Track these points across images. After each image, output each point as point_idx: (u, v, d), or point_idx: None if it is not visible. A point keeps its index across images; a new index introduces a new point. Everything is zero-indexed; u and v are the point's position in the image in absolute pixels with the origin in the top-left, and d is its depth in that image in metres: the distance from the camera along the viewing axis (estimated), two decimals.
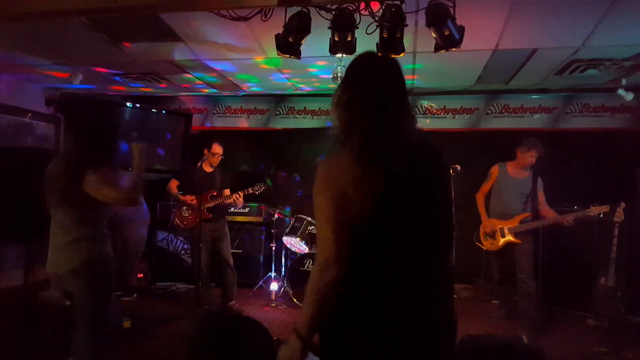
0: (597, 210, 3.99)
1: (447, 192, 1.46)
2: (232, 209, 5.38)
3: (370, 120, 1.34)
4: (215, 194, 4.55)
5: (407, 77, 4.89)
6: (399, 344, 1.29)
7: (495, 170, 4.55)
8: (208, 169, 4.60)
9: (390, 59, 1.47)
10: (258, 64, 4.47)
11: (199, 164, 4.30)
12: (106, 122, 2.76)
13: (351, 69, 1.44)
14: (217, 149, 4.55)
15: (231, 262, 4.56)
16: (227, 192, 4.61)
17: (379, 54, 1.48)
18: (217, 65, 4.57)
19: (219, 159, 4.59)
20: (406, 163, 1.33)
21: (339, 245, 1.31)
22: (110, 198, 2.36)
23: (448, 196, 1.47)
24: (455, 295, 3.68)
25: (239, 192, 4.55)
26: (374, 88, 1.37)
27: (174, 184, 4.69)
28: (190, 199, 4.54)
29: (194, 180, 4.37)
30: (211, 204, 4.51)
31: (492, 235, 4.41)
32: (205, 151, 4.54)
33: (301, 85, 5.42)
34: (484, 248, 4.53)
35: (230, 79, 5.09)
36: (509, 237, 4.28)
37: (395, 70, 1.42)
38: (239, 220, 5.69)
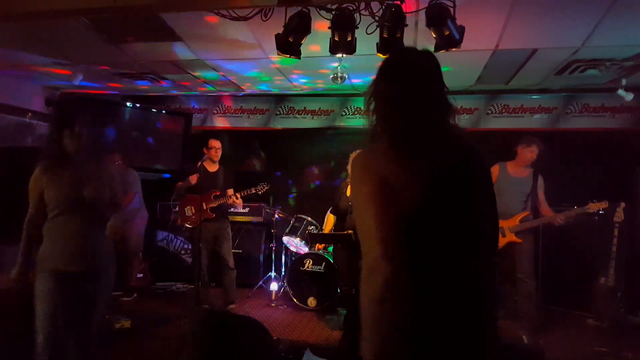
0: (595, 207, 3.99)
1: (489, 190, 1.36)
2: (232, 209, 5.38)
3: (410, 113, 1.30)
4: (218, 193, 4.52)
5: None
6: (438, 351, 1.20)
7: (495, 170, 4.55)
8: (211, 167, 4.56)
9: (428, 54, 1.42)
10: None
11: (199, 163, 4.26)
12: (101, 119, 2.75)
13: (389, 63, 1.40)
14: (214, 142, 4.53)
15: (231, 263, 4.54)
16: (230, 192, 4.57)
17: (417, 49, 1.42)
18: (217, 65, 4.57)
19: (219, 153, 4.54)
20: (448, 157, 1.28)
21: (389, 240, 1.21)
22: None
23: (491, 195, 1.36)
24: None
25: (237, 194, 4.49)
26: (412, 82, 1.33)
27: (192, 181, 4.54)
28: (193, 199, 4.49)
29: (198, 180, 4.34)
30: (214, 204, 4.48)
31: None
32: (205, 150, 4.52)
33: (305, 87, 5.43)
34: None
35: (231, 79, 5.10)
36: (510, 237, 4.29)
37: (433, 65, 1.38)
38: (239, 220, 5.68)
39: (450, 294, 1.21)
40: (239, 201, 4.53)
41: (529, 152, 4.26)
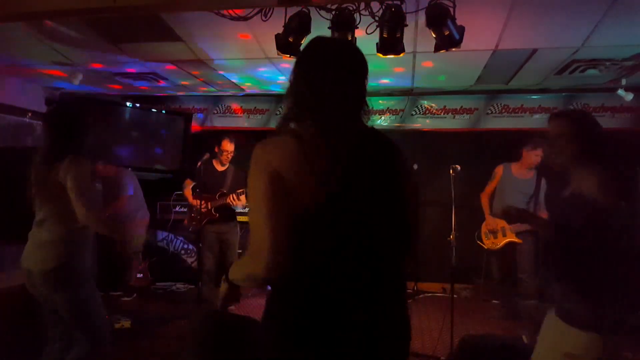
0: None
1: (403, 186, 1.30)
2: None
3: (318, 104, 1.25)
4: (224, 192, 4.38)
5: (407, 78, 4.90)
6: (346, 345, 1.19)
7: (499, 170, 4.57)
8: (219, 167, 4.48)
9: (348, 43, 1.38)
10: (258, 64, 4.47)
11: (199, 163, 4.20)
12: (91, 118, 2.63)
13: (304, 54, 1.33)
14: (227, 145, 4.36)
15: None
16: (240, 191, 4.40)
17: (336, 37, 1.41)
18: (217, 65, 4.57)
19: (229, 157, 4.42)
20: (356, 151, 1.23)
21: (274, 235, 1.16)
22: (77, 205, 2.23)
23: (405, 190, 1.31)
24: (455, 295, 3.69)
25: (234, 195, 4.29)
26: (325, 72, 1.27)
27: (188, 185, 4.53)
28: (196, 202, 4.35)
29: (204, 180, 4.25)
30: (219, 203, 4.35)
31: (494, 233, 4.42)
32: (216, 148, 4.39)
33: None
34: (485, 247, 4.54)
35: (231, 79, 5.10)
36: (511, 237, 4.29)
37: (352, 56, 1.32)
38: (239, 220, 5.67)
39: (349, 294, 1.19)
40: (237, 202, 4.32)
41: (534, 156, 4.27)
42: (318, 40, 1.34)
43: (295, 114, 1.28)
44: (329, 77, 1.26)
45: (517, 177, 4.40)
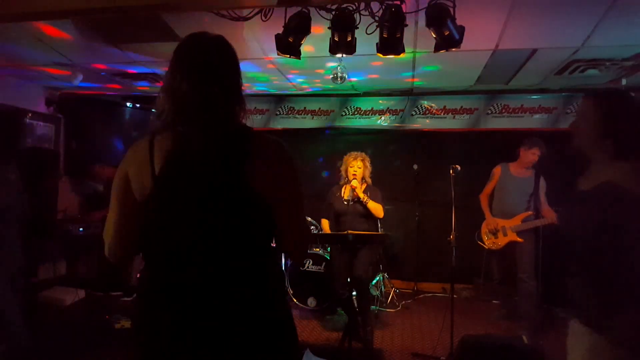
0: None
1: (250, 183, 1.27)
2: None
3: (175, 104, 1.30)
4: None
5: (407, 78, 4.89)
6: (189, 339, 1.24)
7: (497, 170, 4.57)
8: None
9: (216, 40, 1.37)
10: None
11: None
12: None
13: (175, 51, 1.38)
14: None
15: None
16: None
17: (210, 34, 1.39)
18: None
19: None
20: (195, 148, 1.27)
21: (116, 231, 1.35)
22: None
23: (253, 188, 1.28)
24: (455, 295, 3.69)
25: None
26: (187, 71, 1.31)
27: None
28: None
29: None
30: None
31: (494, 233, 4.43)
32: None
33: (304, 86, 5.43)
34: (486, 247, 4.54)
35: None
36: (512, 236, 4.29)
37: (218, 53, 1.35)
38: None
39: (190, 286, 1.25)
40: None
41: (530, 155, 4.27)
42: (184, 39, 1.38)
43: (158, 115, 1.35)
44: (180, 78, 1.31)
45: (515, 176, 4.41)
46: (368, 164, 4.34)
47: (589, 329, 1.55)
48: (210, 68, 1.31)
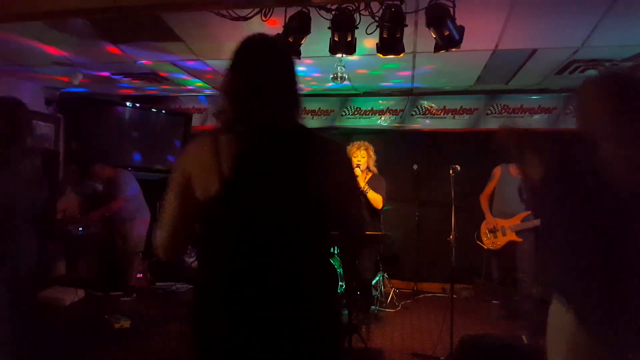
0: None
1: (313, 183, 1.29)
2: None
3: (236, 104, 1.31)
4: None
5: (407, 78, 4.90)
6: (259, 341, 1.25)
7: (497, 171, 4.58)
8: None
9: (274, 41, 1.40)
10: None
11: None
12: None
13: (235, 52, 1.37)
14: None
15: None
16: None
17: (269, 36, 1.40)
18: (217, 65, 4.57)
19: None
20: (261, 150, 1.29)
21: (173, 227, 1.34)
22: None
23: (318, 188, 1.30)
24: (455, 295, 3.69)
25: None
26: (247, 72, 1.32)
27: None
28: None
29: None
30: None
31: (494, 233, 4.43)
32: None
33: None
34: (485, 246, 4.55)
35: None
36: (511, 236, 4.30)
37: (277, 55, 1.37)
38: None
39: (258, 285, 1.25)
40: None
41: None
42: (243, 40, 1.37)
43: (218, 114, 1.36)
44: (239, 78, 1.32)
45: (515, 177, 4.40)
46: (372, 153, 4.33)
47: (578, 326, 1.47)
48: (268, 68, 1.33)
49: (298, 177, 1.29)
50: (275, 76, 1.34)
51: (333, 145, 1.41)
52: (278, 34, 1.40)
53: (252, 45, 1.36)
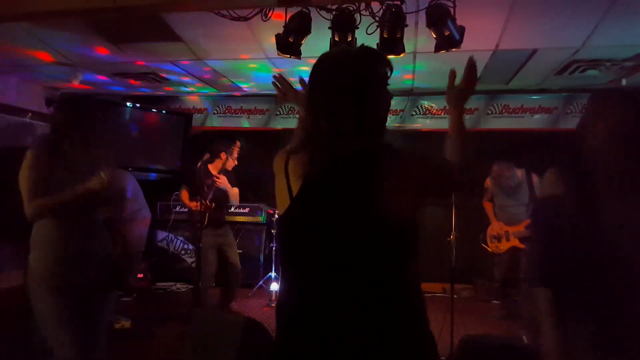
0: None
1: (383, 205, 1.20)
2: (233, 208, 5.37)
3: (309, 122, 1.29)
4: (209, 183, 4.23)
5: (408, 78, 4.90)
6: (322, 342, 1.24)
7: (488, 183, 4.68)
8: (214, 171, 4.34)
9: (356, 57, 1.31)
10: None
11: (199, 164, 4.14)
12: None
13: (313, 67, 1.32)
14: (237, 153, 4.33)
15: (239, 266, 4.41)
16: (235, 190, 4.37)
17: (348, 51, 1.36)
18: (217, 65, 4.57)
19: (231, 165, 4.35)
20: (331, 170, 1.23)
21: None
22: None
23: (386, 210, 1.21)
24: (455, 295, 3.69)
25: (213, 178, 4.20)
26: (316, 90, 1.29)
27: (185, 196, 4.45)
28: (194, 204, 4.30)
29: (204, 180, 4.15)
30: (210, 193, 4.25)
31: (498, 238, 4.48)
32: (223, 154, 4.27)
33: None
34: (490, 250, 4.59)
35: (231, 79, 5.10)
36: (514, 242, 4.34)
37: (356, 71, 1.26)
38: (239, 220, 5.68)
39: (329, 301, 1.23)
40: (220, 180, 4.23)
41: (506, 170, 4.41)
42: (323, 55, 1.34)
43: (300, 127, 1.36)
44: (318, 95, 1.28)
45: (507, 189, 4.50)
46: None
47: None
48: (341, 90, 1.24)
49: (365, 200, 1.21)
50: (352, 95, 1.24)
51: (405, 158, 1.28)
52: (362, 44, 1.33)
53: (330, 62, 1.32)
